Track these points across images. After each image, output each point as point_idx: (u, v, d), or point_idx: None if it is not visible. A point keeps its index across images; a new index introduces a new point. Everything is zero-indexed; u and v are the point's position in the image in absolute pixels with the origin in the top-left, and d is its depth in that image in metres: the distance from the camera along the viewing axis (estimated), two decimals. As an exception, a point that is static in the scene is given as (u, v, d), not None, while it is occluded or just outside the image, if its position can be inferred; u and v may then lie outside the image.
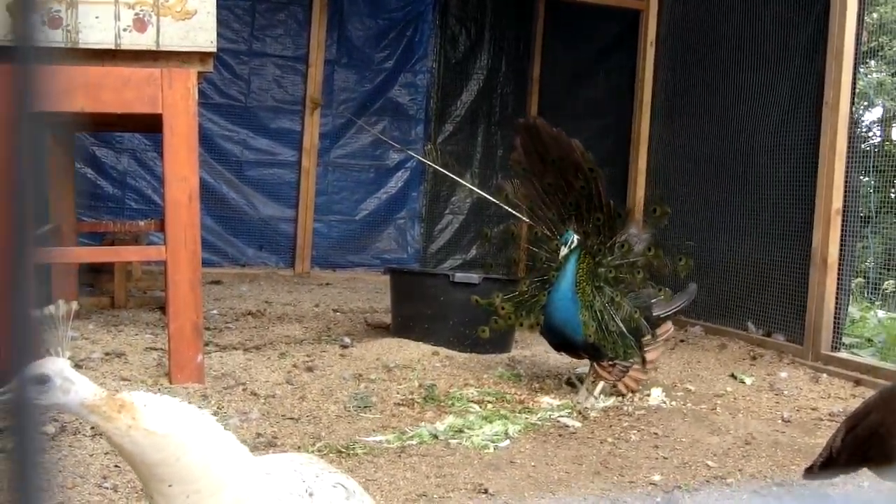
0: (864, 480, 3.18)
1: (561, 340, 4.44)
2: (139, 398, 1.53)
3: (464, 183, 5.08)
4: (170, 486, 1.53)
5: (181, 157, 4.03)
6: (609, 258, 4.47)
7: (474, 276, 5.09)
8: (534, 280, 4.63)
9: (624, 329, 4.36)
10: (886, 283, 6.69)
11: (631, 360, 4.37)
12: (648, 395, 4.56)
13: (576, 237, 4.28)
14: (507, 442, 3.71)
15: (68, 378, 1.46)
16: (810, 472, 2.91)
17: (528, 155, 4.62)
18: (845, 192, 5.37)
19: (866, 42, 5.50)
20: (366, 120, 9.04)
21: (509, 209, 4.76)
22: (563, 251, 4.25)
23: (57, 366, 1.46)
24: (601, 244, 4.47)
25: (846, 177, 5.36)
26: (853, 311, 6.41)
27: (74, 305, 1.54)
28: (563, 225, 4.56)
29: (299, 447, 3.40)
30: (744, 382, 4.97)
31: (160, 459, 1.51)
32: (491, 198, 4.80)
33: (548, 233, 4.62)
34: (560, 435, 3.86)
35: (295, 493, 1.63)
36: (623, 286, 4.44)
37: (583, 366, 4.76)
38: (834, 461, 2.78)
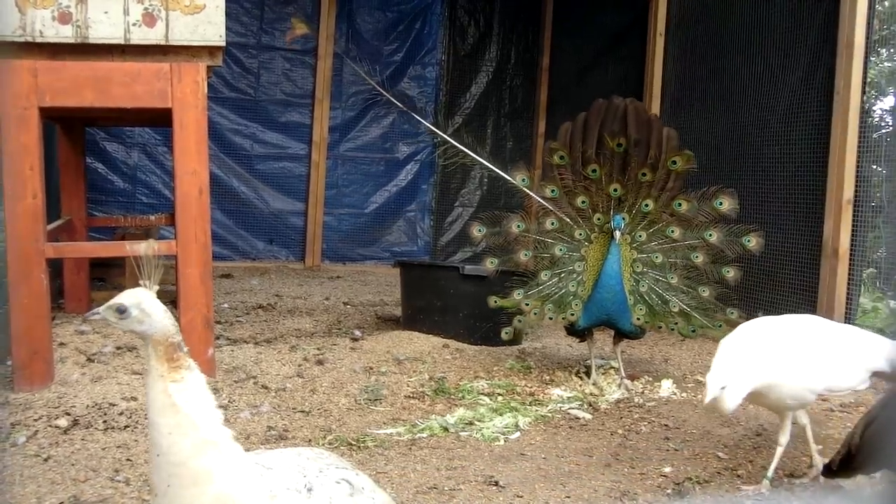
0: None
1: (605, 321, 4.46)
2: (189, 367, 1.69)
3: (488, 164, 5.00)
4: (157, 455, 1.65)
5: (191, 151, 4.04)
6: (654, 243, 4.52)
7: (484, 269, 5.07)
8: (555, 272, 4.60)
9: (686, 307, 4.45)
10: (899, 273, 6.66)
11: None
12: (659, 387, 4.55)
13: (623, 223, 4.34)
14: (518, 434, 3.71)
15: (144, 310, 1.68)
16: (829, 470, 2.87)
17: (578, 140, 4.56)
18: (857, 181, 5.33)
19: (877, 30, 5.45)
20: (375, 113, 9.05)
21: (532, 194, 4.69)
22: (617, 235, 4.28)
23: (136, 298, 1.68)
24: (650, 230, 4.53)
25: (857, 166, 5.32)
26: (865, 301, 6.38)
27: (160, 245, 1.70)
28: (595, 213, 4.55)
29: (310, 440, 3.42)
30: (755, 373, 4.95)
31: (159, 423, 1.64)
32: (514, 181, 4.74)
33: (570, 222, 4.59)
34: (571, 427, 3.86)
35: (292, 489, 1.64)
36: (680, 270, 4.51)
37: (593, 358, 4.75)
38: (853, 458, 2.74)
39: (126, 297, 1.69)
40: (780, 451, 3.09)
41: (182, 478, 1.63)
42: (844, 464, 2.76)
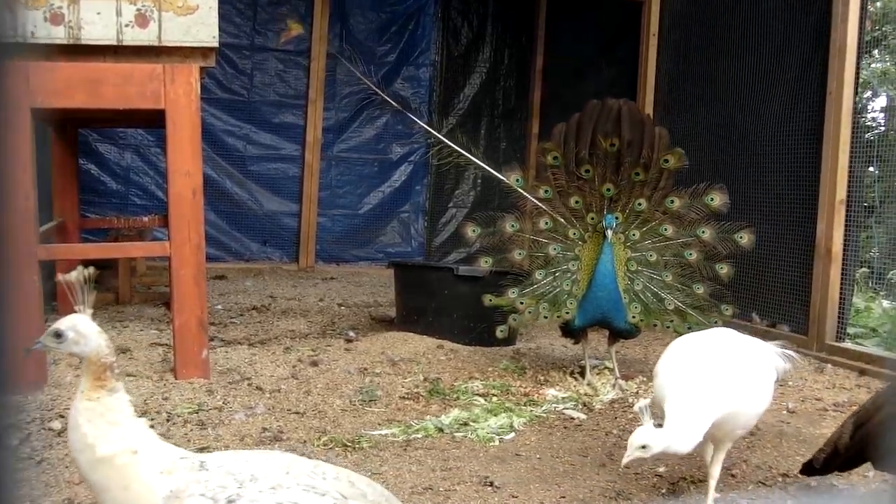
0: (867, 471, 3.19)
1: (600, 320, 4.47)
2: (111, 389, 1.77)
3: (482, 164, 5.01)
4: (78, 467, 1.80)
5: (184, 152, 4.04)
6: (648, 241, 4.53)
7: (479, 270, 5.08)
8: (550, 272, 4.60)
9: (681, 305, 4.47)
10: (891, 272, 6.68)
11: None
12: (653, 387, 4.55)
13: (616, 222, 4.37)
14: (513, 434, 3.71)
15: (80, 332, 1.77)
16: (810, 468, 2.88)
17: (572, 140, 4.58)
18: (849, 182, 5.35)
19: (870, 31, 5.47)
20: (368, 114, 9.04)
21: (526, 194, 4.69)
22: (609, 234, 4.31)
23: (71, 322, 1.78)
24: (643, 229, 4.55)
25: (850, 167, 5.34)
26: (857, 300, 6.40)
27: (91, 270, 1.80)
28: (589, 213, 4.57)
29: (305, 441, 3.41)
30: (749, 373, 4.95)
31: (69, 439, 1.78)
32: (508, 181, 4.74)
33: (563, 222, 4.61)
34: (565, 427, 3.87)
35: (207, 496, 1.66)
36: (674, 268, 4.53)
37: (588, 358, 4.76)
38: (839, 457, 2.74)
39: (62, 322, 1.79)
40: (713, 483, 2.84)
41: (92, 488, 1.79)
42: (829, 462, 2.77)
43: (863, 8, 5.30)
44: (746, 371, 2.74)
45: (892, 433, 2.39)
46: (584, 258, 4.57)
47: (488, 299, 4.67)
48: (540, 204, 4.63)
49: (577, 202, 4.60)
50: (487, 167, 5.01)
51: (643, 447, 2.53)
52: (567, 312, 4.49)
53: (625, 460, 2.59)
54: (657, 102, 7.94)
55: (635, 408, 2.69)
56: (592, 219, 4.57)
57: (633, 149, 4.50)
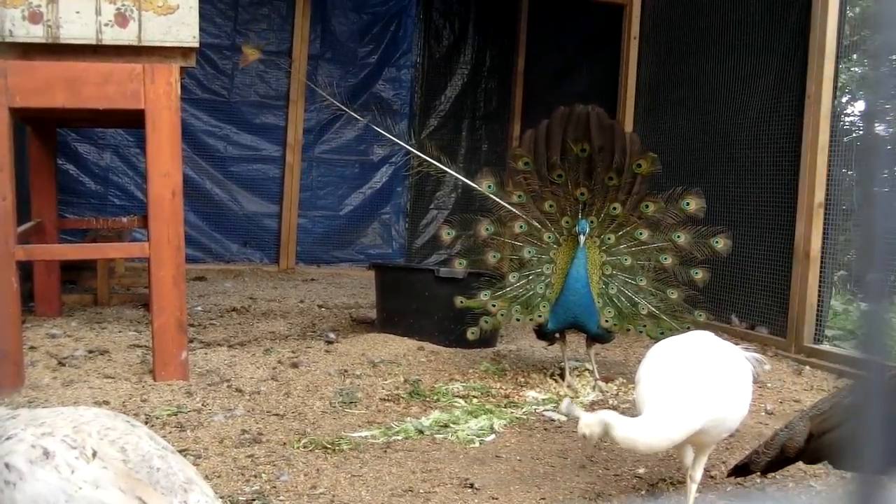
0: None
1: (572, 323, 4.47)
2: None
3: (453, 173, 5.00)
4: None
5: (164, 152, 4.01)
6: (623, 246, 4.54)
7: (459, 271, 5.08)
8: (524, 274, 4.61)
9: (654, 310, 4.48)
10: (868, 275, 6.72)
11: None
12: (633, 389, 4.56)
13: (589, 227, 4.39)
14: (493, 436, 3.71)
15: None
16: (745, 470, 2.86)
17: (542, 146, 4.60)
18: (828, 185, 5.39)
19: (848, 36, 5.52)
20: (349, 116, 9.01)
21: (499, 200, 4.69)
22: (581, 240, 4.32)
23: None
24: (618, 233, 4.56)
25: (829, 170, 5.39)
26: (836, 303, 6.45)
27: None
28: (563, 217, 4.57)
29: (285, 443, 3.40)
30: (728, 375, 4.97)
31: None
32: (480, 188, 4.73)
33: (538, 225, 4.62)
34: (545, 429, 3.87)
35: None
36: (649, 272, 4.54)
37: (568, 359, 4.76)
38: (786, 461, 2.73)
39: None
40: (694, 487, 2.78)
41: None
42: (771, 465, 2.75)
43: (841, 12, 5.35)
44: (731, 375, 2.71)
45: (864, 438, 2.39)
46: (559, 262, 4.58)
47: (460, 301, 4.68)
48: (513, 209, 4.64)
49: (551, 206, 4.62)
50: (457, 175, 5.01)
51: (597, 423, 2.51)
52: (539, 315, 4.50)
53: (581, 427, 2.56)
54: (638, 104, 7.98)
55: (562, 407, 2.67)
56: (567, 223, 4.58)
57: (604, 154, 4.51)
